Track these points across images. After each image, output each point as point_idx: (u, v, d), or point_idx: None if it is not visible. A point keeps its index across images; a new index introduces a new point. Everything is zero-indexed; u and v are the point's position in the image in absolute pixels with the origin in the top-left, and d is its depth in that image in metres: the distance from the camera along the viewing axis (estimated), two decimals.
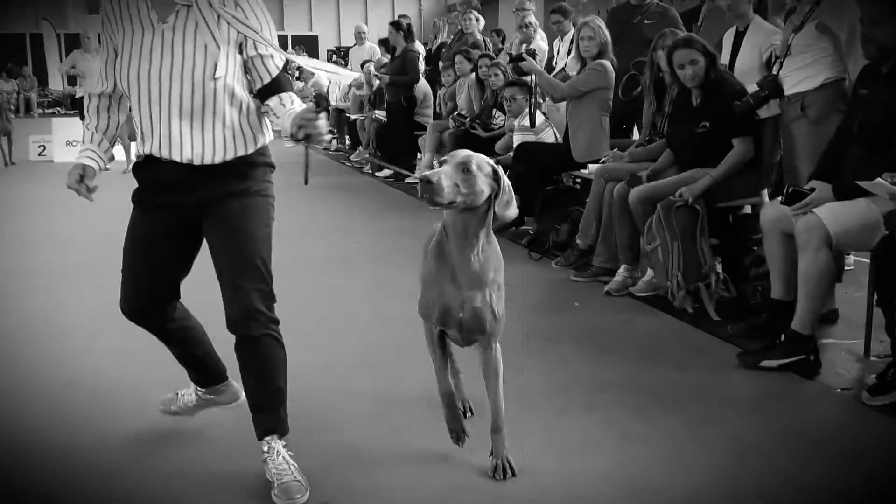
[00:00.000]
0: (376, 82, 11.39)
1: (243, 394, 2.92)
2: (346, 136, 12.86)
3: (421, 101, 9.92)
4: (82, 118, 10.38)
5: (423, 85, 9.93)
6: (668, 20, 6.19)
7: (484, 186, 2.46)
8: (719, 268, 4.56)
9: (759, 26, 5.12)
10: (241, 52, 2.48)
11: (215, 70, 2.40)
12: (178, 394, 3.10)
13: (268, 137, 2.63)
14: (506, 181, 2.52)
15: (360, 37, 13.33)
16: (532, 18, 8.62)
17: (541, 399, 3.30)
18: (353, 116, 12.27)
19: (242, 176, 2.55)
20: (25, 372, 3.69)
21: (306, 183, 2.50)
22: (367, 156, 11.04)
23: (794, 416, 3.21)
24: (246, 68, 2.51)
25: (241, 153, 2.53)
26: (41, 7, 24.31)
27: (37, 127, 14.09)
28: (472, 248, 2.54)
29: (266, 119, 2.60)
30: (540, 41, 8.56)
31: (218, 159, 2.50)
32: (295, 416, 2.71)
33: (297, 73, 16.27)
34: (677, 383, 3.51)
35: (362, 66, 12.40)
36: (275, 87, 2.52)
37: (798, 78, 4.45)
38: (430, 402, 3.05)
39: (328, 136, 2.43)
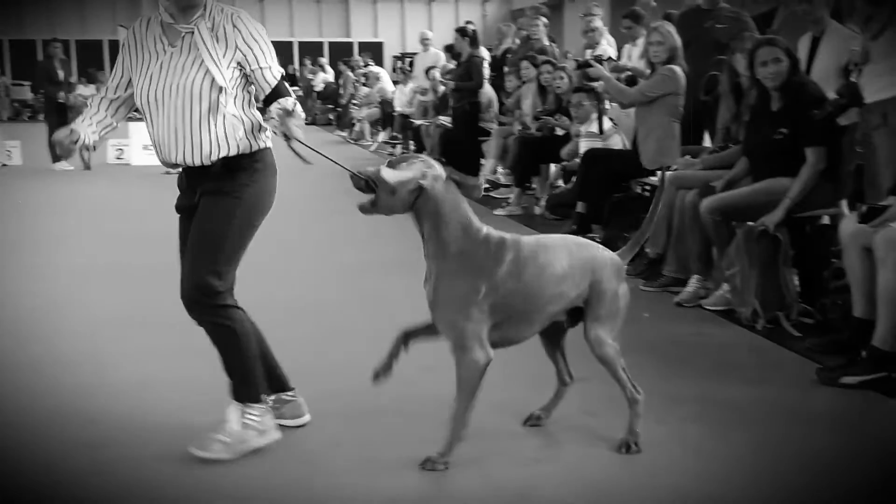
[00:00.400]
0: (441, 88, 11.40)
1: (307, 415, 3.14)
2: (411, 142, 12.89)
3: (486, 106, 9.89)
4: None
5: (487, 90, 9.90)
6: (740, 24, 6.08)
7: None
8: (797, 279, 4.43)
9: (836, 32, 4.99)
10: (241, 68, 2.81)
11: (212, 82, 2.75)
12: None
13: (261, 144, 2.90)
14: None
15: (424, 43, 13.38)
16: (598, 23, 8.53)
17: (609, 411, 3.22)
18: (417, 122, 12.31)
19: (223, 178, 2.83)
20: (99, 367, 3.74)
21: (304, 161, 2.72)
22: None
23: (875, 436, 3.10)
24: (249, 81, 2.84)
25: (223, 154, 2.81)
26: (118, 14, 24.98)
27: (115, 131, 14.34)
28: (425, 249, 2.71)
29: (261, 132, 2.90)
30: (606, 46, 8.47)
31: (205, 161, 2.81)
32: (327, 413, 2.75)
33: (363, 80, 16.41)
34: (752, 399, 3.41)
35: (427, 71, 12.43)
36: (275, 95, 2.82)
37: (878, 85, 4.30)
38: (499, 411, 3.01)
39: (301, 134, 2.74)
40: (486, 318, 2.67)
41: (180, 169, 2.93)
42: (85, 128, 2.90)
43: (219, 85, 2.75)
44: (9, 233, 7.20)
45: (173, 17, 2.80)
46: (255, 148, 2.87)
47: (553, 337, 3.06)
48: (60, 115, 11.56)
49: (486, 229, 2.74)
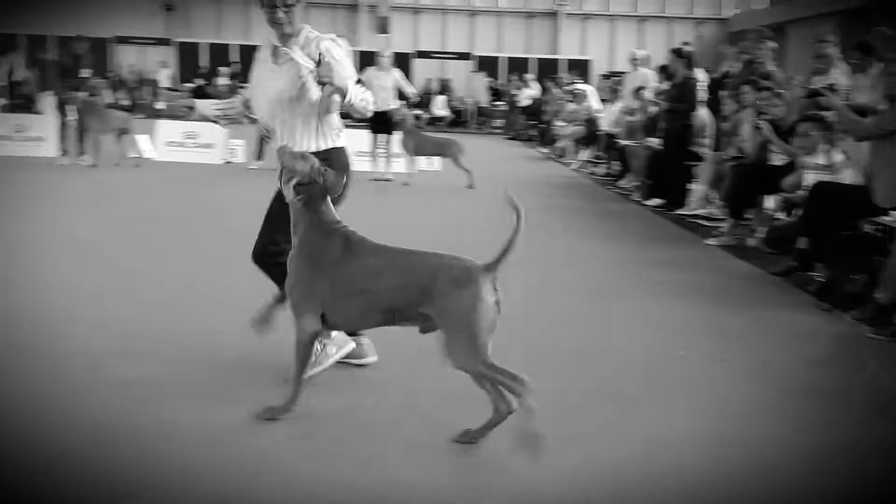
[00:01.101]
0: (651, 109, 11.17)
1: (371, 356, 3.87)
2: (615, 162, 12.72)
3: (699, 130, 9.60)
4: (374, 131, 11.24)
5: (702, 114, 9.60)
6: None
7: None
8: None
9: None
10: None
11: (303, 92, 3.62)
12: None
13: (330, 143, 3.73)
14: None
15: (634, 62, 13.15)
16: (830, 50, 8.08)
17: (829, 462, 3.06)
18: (622, 142, 12.13)
19: None
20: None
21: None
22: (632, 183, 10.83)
23: None
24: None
25: (310, 148, 3.66)
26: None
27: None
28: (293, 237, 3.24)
29: (333, 133, 3.76)
30: (838, 75, 8.00)
31: (296, 149, 3.57)
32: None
33: (569, 97, 16.38)
34: None
35: (636, 92, 12.22)
36: None
37: None
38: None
39: (334, 78, 3.55)
40: (318, 296, 3.10)
41: None
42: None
43: (307, 95, 3.61)
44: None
45: (279, 42, 3.73)
46: (324, 147, 3.69)
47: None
48: None
49: (338, 225, 3.17)
